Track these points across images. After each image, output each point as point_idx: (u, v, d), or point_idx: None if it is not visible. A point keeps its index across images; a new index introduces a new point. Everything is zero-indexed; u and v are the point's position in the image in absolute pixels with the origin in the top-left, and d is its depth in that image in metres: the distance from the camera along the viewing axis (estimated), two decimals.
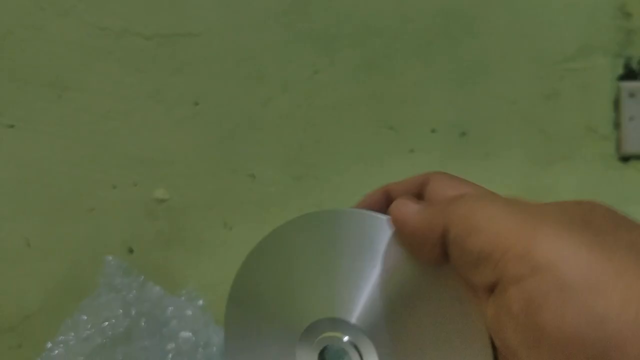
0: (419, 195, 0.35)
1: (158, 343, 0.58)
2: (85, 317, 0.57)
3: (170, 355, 0.58)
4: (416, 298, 0.31)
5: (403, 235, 0.31)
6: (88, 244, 0.72)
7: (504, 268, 0.26)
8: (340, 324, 0.33)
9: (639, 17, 0.88)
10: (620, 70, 0.88)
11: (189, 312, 0.62)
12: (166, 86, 0.73)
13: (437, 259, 0.30)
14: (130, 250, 0.73)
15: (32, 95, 0.71)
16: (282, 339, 0.35)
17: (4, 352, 0.71)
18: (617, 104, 0.89)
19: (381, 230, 0.32)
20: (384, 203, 0.37)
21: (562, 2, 0.85)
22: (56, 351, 0.55)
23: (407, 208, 0.31)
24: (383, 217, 0.33)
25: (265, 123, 0.76)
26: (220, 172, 0.75)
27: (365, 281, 0.32)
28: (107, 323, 0.57)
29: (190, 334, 0.60)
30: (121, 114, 0.73)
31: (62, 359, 0.55)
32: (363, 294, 0.32)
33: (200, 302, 0.65)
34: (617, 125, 0.89)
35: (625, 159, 0.89)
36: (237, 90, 0.75)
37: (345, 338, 0.33)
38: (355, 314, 0.32)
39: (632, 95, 0.89)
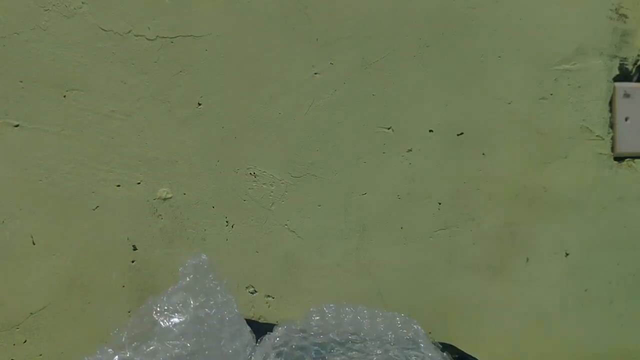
0: None
1: None
2: None
3: None
4: None
5: None
6: (92, 241, 0.73)
7: None
8: None
9: (634, 19, 0.89)
10: (615, 71, 0.89)
11: None
12: (169, 87, 0.74)
13: None
14: (134, 248, 0.74)
15: (37, 95, 0.71)
16: None
17: (10, 347, 0.72)
18: (612, 105, 0.89)
19: None
20: None
21: (557, 5, 0.86)
22: None
23: None
24: None
25: (266, 123, 0.77)
26: (222, 171, 0.76)
27: None
28: None
29: None
30: (125, 114, 0.73)
31: None
32: None
33: None
34: (612, 125, 0.89)
35: (620, 158, 0.90)
36: (238, 91, 0.76)
37: None
38: None
39: (627, 95, 0.89)
